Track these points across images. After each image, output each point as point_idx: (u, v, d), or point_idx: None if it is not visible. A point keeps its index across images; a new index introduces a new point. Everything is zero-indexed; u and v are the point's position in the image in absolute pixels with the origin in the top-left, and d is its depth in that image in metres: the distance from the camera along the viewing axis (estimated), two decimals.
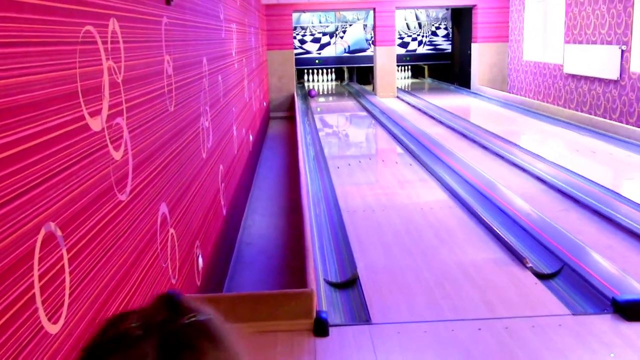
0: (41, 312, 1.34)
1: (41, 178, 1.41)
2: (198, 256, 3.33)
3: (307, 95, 16.58)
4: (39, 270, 1.35)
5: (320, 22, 18.65)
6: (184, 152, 3.15)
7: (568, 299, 3.71)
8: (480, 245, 4.72)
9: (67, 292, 1.49)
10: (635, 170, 7.07)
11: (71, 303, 1.50)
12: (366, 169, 7.72)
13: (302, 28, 18.56)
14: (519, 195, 5.83)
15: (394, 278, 4.08)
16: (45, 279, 1.38)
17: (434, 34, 19.01)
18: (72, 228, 1.56)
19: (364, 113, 12.87)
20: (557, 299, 3.67)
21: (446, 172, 6.98)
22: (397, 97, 14.83)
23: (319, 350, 3.01)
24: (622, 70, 9.22)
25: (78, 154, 1.64)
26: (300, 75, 18.39)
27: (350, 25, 18.73)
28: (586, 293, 3.76)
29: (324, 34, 18.71)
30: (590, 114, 10.16)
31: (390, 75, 15.05)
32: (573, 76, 10.97)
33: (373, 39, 15.59)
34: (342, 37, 18.77)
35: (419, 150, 8.25)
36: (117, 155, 1.96)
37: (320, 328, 3.12)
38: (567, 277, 4.02)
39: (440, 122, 10.77)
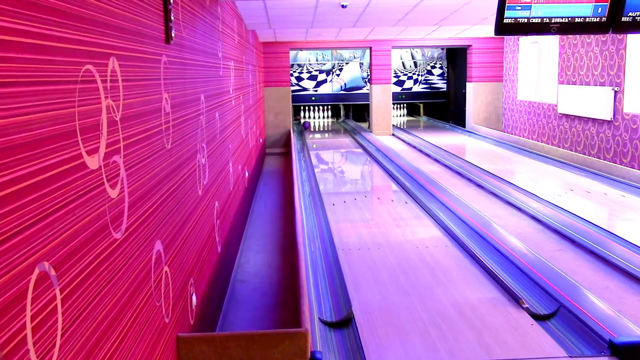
0: (32, 355, 1.32)
1: (37, 217, 1.40)
2: (192, 294, 3.30)
3: (302, 127, 16.71)
4: (31, 310, 1.33)
5: (317, 60, 18.85)
6: (180, 189, 3.15)
7: (565, 340, 3.68)
8: (476, 285, 4.70)
9: (59, 332, 1.47)
10: (630, 211, 7.09)
11: (63, 344, 1.48)
12: (361, 206, 7.72)
13: (299, 65, 18.75)
14: (515, 235, 5.83)
15: (389, 317, 4.05)
16: (38, 319, 1.36)
17: (430, 72, 19.23)
18: (66, 267, 1.55)
19: (360, 150, 12.93)
20: (554, 340, 3.65)
21: (441, 211, 6.98)
22: (393, 134, 14.92)
23: None
24: (616, 110, 9.32)
25: (74, 193, 1.64)
26: (296, 112, 18.53)
27: (347, 63, 18.94)
28: (583, 335, 3.74)
29: (321, 71, 18.90)
30: (585, 153, 10.24)
31: (386, 113, 15.17)
32: (567, 116, 11.08)
33: (369, 77, 15.75)
34: (338, 75, 18.96)
35: (414, 188, 8.26)
36: (113, 193, 1.96)
37: None
38: (563, 318, 4.00)
39: (436, 160, 10.82)
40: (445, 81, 19.14)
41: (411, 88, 19.25)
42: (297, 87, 18.61)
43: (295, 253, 5.16)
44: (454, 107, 17.67)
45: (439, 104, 19.09)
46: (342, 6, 7.27)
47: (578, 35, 10.59)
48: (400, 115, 19.57)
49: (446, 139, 13.95)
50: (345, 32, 11.74)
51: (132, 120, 2.24)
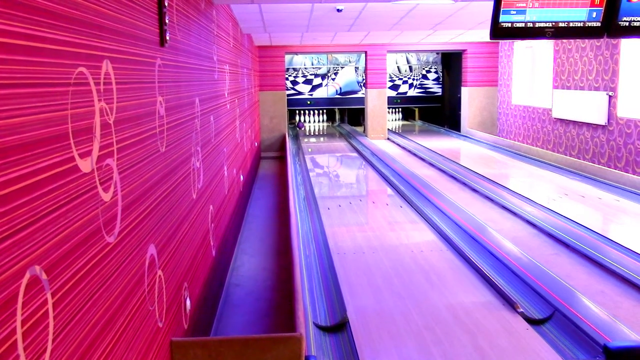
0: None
1: (28, 220, 1.39)
2: (186, 298, 3.28)
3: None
4: (22, 315, 1.32)
5: (312, 64, 18.87)
6: (174, 193, 3.14)
7: (559, 345, 3.68)
8: (471, 289, 4.69)
9: (50, 337, 1.45)
10: (624, 215, 7.11)
11: (54, 349, 1.47)
12: (356, 210, 7.71)
13: (295, 69, 18.76)
14: (509, 239, 5.83)
15: (384, 322, 4.04)
16: (29, 324, 1.35)
17: (425, 77, 19.27)
18: (58, 271, 1.53)
19: (355, 154, 12.93)
20: (549, 345, 3.64)
21: (436, 215, 6.98)
22: (388, 138, 14.94)
23: None
24: (610, 115, 9.35)
25: (67, 196, 1.62)
26: (291, 116, 18.53)
27: (342, 67, 18.96)
28: (577, 339, 3.73)
29: (316, 75, 18.91)
30: (579, 158, 10.26)
31: (381, 117, 15.18)
32: (561, 120, 11.11)
33: (364, 81, 15.76)
34: (333, 79, 18.97)
35: (409, 192, 8.26)
36: (106, 197, 1.95)
37: None
38: (558, 322, 3.99)
39: (431, 164, 10.83)
40: (440, 85, 19.17)
41: (406, 92, 19.28)
42: (292, 91, 18.61)
43: (290, 257, 5.15)
44: (449, 112, 17.70)
45: (434, 108, 19.12)
46: (338, 10, 7.27)
47: (572, 40, 10.63)
48: (396, 120, 19.60)
49: (441, 143, 13.97)
50: (340, 37, 11.75)
51: (125, 123, 2.23)
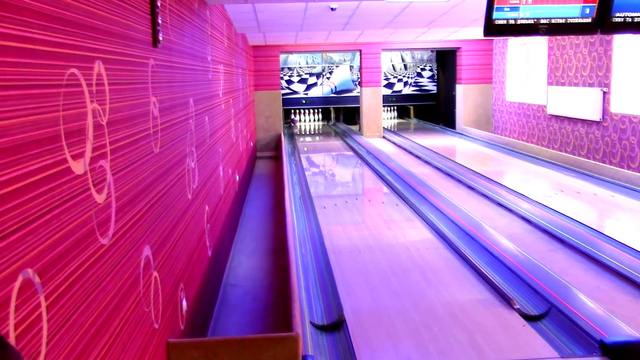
0: None
1: (20, 223, 1.38)
2: (182, 299, 3.28)
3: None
4: (15, 319, 1.31)
5: (307, 63, 18.86)
6: (169, 194, 3.13)
7: (556, 341, 3.68)
8: (467, 286, 4.69)
9: (44, 341, 1.44)
10: (619, 211, 7.12)
11: (48, 353, 1.46)
12: (352, 208, 7.71)
13: (289, 69, 18.75)
14: (505, 236, 5.84)
15: (380, 320, 4.04)
16: (22, 327, 1.34)
17: (420, 75, 19.28)
18: (51, 274, 1.52)
19: (350, 153, 12.93)
20: (545, 341, 3.65)
21: (432, 212, 6.99)
22: (383, 137, 14.94)
23: None
24: (604, 111, 9.36)
25: (59, 198, 1.61)
26: (287, 115, 18.51)
27: (337, 66, 18.95)
28: (574, 335, 3.74)
29: (311, 74, 18.91)
30: (574, 154, 10.27)
31: (377, 116, 15.18)
32: (556, 117, 11.12)
33: (359, 80, 15.76)
34: (328, 78, 18.97)
35: (405, 190, 8.26)
36: (99, 199, 1.94)
37: None
38: (554, 318, 4.00)
39: (426, 162, 10.83)
40: (435, 83, 19.19)
41: (401, 90, 19.29)
42: (287, 91, 18.60)
43: (286, 256, 5.15)
44: (444, 109, 17.71)
45: (429, 106, 19.13)
46: (332, 9, 7.27)
47: (566, 37, 10.64)
48: (391, 118, 19.60)
49: (436, 140, 13.98)
50: (335, 35, 11.75)
51: (119, 124, 2.22)
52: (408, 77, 19.27)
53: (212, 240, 4.76)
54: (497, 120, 14.34)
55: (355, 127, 16.97)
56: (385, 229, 6.59)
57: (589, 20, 3.96)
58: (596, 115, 9.53)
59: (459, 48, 14.86)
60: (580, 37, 10.09)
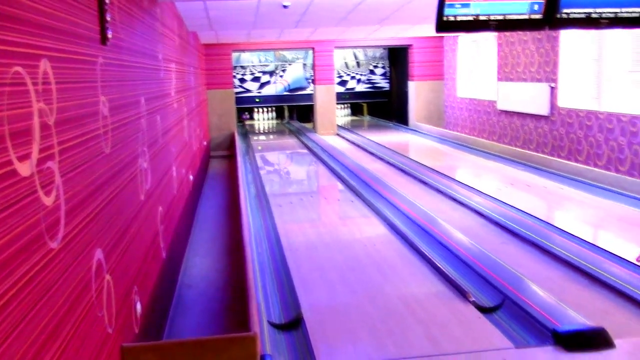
0: None
1: None
2: (136, 302, 3.21)
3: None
4: None
5: (260, 62, 18.77)
6: (121, 195, 3.06)
7: (511, 331, 3.75)
8: (423, 280, 4.74)
9: None
10: (568, 202, 7.31)
11: None
12: (308, 206, 7.70)
13: (242, 67, 18.63)
14: (459, 229, 5.92)
15: (338, 317, 4.04)
16: None
17: (372, 72, 19.41)
18: None
19: (305, 150, 12.93)
20: (500, 332, 3.71)
21: (387, 208, 7.04)
22: (338, 134, 14.98)
23: None
24: (552, 106, 9.59)
25: (5, 201, 1.56)
26: (240, 113, 18.39)
27: (290, 64, 18.92)
28: (528, 325, 3.81)
29: (264, 72, 18.83)
30: (524, 148, 10.50)
31: (330, 113, 15.22)
32: (506, 112, 11.34)
33: (313, 77, 15.77)
34: (281, 76, 18.92)
35: (360, 187, 8.30)
36: (48, 201, 1.88)
37: None
38: (508, 310, 4.07)
39: (380, 159, 10.91)
40: (387, 80, 19.34)
41: (354, 88, 19.38)
42: (240, 89, 18.48)
43: (242, 256, 5.11)
44: (397, 106, 17.87)
45: (382, 103, 19.28)
46: (284, 6, 7.24)
47: (515, 34, 10.86)
48: (345, 115, 19.67)
49: (390, 137, 14.10)
50: (287, 33, 11.72)
51: (67, 125, 2.16)
52: (361, 75, 19.38)
53: (166, 242, 4.69)
54: (449, 116, 14.55)
55: (309, 125, 16.97)
56: (341, 225, 6.60)
57: (537, 16, 4.04)
58: (544, 110, 9.76)
59: (410, 45, 15.01)
60: (529, 33, 10.32)
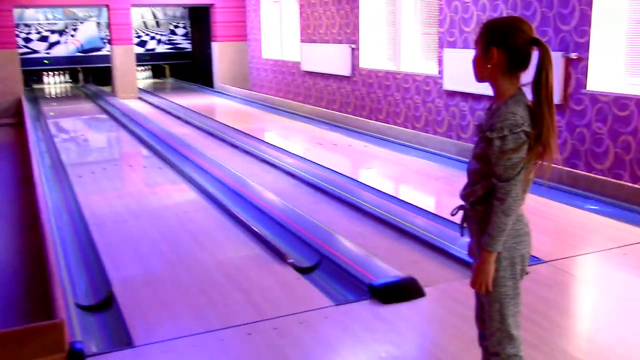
0: None
1: None
2: None
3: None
4: None
5: (47, 19, 17.16)
6: None
7: (330, 290, 3.81)
8: (240, 245, 4.66)
9: None
10: (373, 160, 7.65)
11: None
12: (112, 175, 7.22)
13: (27, 25, 16.91)
14: (272, 191, 5.91)
15: (154, 291, 3.82)
16: None
17: (173, 32, 18.69)
18: None
19: (104, 116, 12.13)
20: (320, 291, 3.75)
21: (197, 173, 6.83)
22: (139, 98, 14.26)
23: None
24: (354, 67, 9.92)
25: None
26: (28, 76, 16.71)
27: (82, 22, 17.55)
28: (345, 282, 3.90)
29: (53, 32, 17.27)
30: (328, 108, 10.79)
31: (130, 76, 14.42)
32: (310, 73, 11.55)
33: (109, 37, 14.77)
34: (73, 36, 17.50)
35: (167, 152, 7.97)
36: None
37: None
38: (326, 268, 4.14)
39: (187, 122, 10.59)
40: (189, 41, 18.76)
41: (155, 49, 18.54)
42: (26, 50, 16.79)
43: (40, 234, 4.63)
44: (201, 68, 17.43)
45: (185, 64, 18.69)
46: None
47: None
48: (146, 78, 18.77)
49: (195, 100, 13.73)
50: None
51: None
52: (161, 35, 18.57)
53: None
54: (254, 78, 14.50)
55: (108, 89, 15.93)
56: (150, 194, 6.28)
57: None
58: (346, 71, 10.07)
59: (212, 4, 14.62)
60: None
